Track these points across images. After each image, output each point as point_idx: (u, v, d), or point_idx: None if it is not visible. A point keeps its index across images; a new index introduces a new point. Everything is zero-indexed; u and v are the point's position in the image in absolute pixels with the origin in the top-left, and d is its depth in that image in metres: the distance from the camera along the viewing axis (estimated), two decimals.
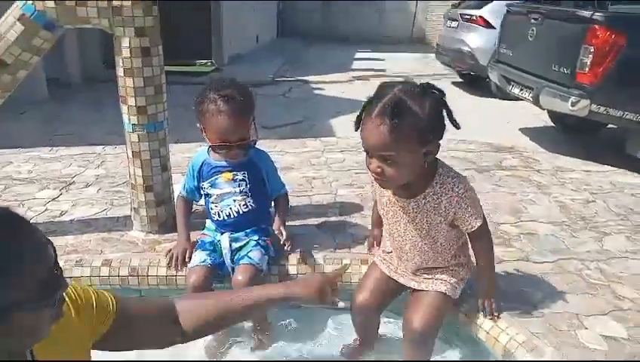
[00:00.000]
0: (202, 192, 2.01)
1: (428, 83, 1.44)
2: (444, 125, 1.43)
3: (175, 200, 2.35)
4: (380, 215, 1.74)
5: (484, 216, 1.60)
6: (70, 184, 2.83)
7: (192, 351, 1.81)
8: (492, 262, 1.71)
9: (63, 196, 2.68)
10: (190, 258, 1.98)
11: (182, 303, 1.30)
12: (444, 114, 1.42)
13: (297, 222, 2.37)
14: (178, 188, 2.44)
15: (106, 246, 2.18)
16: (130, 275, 2.04)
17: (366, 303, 1.75)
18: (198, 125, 1.88)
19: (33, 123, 5.78)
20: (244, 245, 1.96)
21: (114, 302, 1.17)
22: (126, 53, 1.97)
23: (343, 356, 1.88)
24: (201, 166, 1.98)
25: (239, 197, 1.95)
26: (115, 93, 2.11)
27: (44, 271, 0.87)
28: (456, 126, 1.44)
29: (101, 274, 2.04)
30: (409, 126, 1.35)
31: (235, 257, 1.95)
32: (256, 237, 1.97)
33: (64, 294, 0.94)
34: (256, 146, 2.00)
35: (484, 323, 1.73)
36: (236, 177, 1.94)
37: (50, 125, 5.71)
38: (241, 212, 1.96)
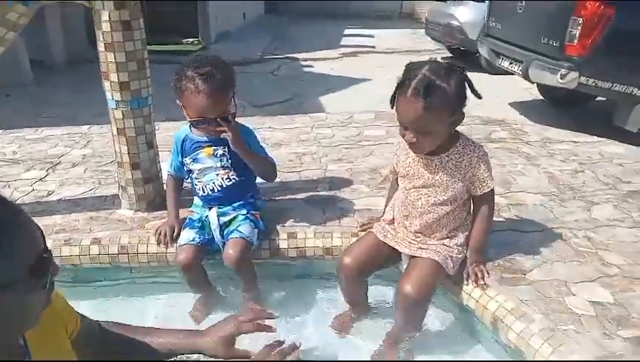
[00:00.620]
0: (185, 168, 2.00)
1: (450, 62, 1.65)
2: (467, 96, 1.63)
3: (163, 178, 2.34)
4: (399, 180, 1.85)
5: (493, 186, 1.75)
6: (56, 164, 2.79)
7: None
8: (489, 228, 1.80)
9: (50, 176, 2.65)
10: (178, 235, 1.98)
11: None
12: (467, 86, 1.62)
13: (287, 197, 2.36)
14: (166, 166, 2.43)
15: (95, 225, 2.16)
16: (120, 253, 2.03)
17: (350, 266, 1.78)
18: (177, 102, 1.87)
19: (18, 105, 5.69)
20: (233, 219, 1.96)
21: (79, 320, 1.16)
22: (106, 27, 1.92)
23: (333, 328, 1.89)
24: (184, 141, 1.97)
25: (222, 171, 1.95)
26: (101, 75, 2.07)
27: (33, 254, 0.86)
28: (478, 96, 1.64)
29: (91, 253, 2.02)
30: (439, 102, 1.55)
31: (225, 232, 1.94)
32: (244, 211, 1.97)
33: (54, 280, 0.91)
34: (239, 122, 1.97)
35: (473, 291, 1.75)
36: (217, 152, 1.93)
37: (35, 107, 5.61)
38: (224, 185, 1.96)
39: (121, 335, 1.27)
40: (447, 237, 1.78)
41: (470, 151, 1.70)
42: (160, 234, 2.01)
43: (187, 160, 1.98)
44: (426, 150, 1.69)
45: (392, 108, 1.64)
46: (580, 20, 4.25)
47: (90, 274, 2.09)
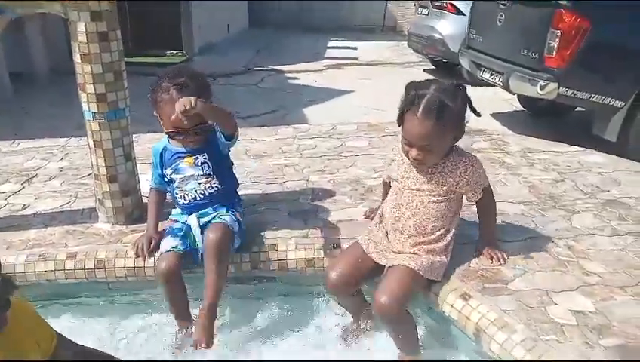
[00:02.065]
0: (166, 179, 1.99)
1: (453, 82, 1.71)
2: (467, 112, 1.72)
3: (142, 190, 2.30)
4: (392, 183, 1.89)
5: (489, 184, 1.86)
6: (33, 177, 2.73)
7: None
8: (495, 218, 1.97)
9: (26, 190, 2.59)
10: (157, 247, 1.94)
11: None
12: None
13: (268, 208, 2.34)
14: (145, 178, 2.39)
15: (71, 239, 2.11)
16: (97, 268, 1.98)
17: (336, 281, 1.77)
18: (154, 113, 1.87)
19: None
20: (214, 217, 1.94)
21: (54, 337, 1.11)
22: (82, 38, 1.90)
23: (342, 341, 1.88)
24: (163, 153, 1.97)
25: (203, 180, 1.94)
26: None
27: None
28: (478, 114, 1.73)
29: (66, 268, 1.97)
30: (448, 121, 1.63)
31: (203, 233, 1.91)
32: (224, 210, 1.96)
33: (9, 301, 0.86)
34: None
35: (455, 302, 1.74)
36: (197, 161, 1.93)
37: (14, 120, 5.52)
38: (207, 193, 1.95)
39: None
40: (438, 238, 1.79)
41: (465, 159, 1.77)
42: (137, 246, 1.97)
43: (167, 171, 1.96)
44: (429, 165, 1.76)
45: (399, 126, 1.71)
46: (558, 33, 4.32)
47: (64, 291, 2.04)
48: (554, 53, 4.40)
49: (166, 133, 1.88)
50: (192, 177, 1.94)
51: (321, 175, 2.74)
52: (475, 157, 1.81)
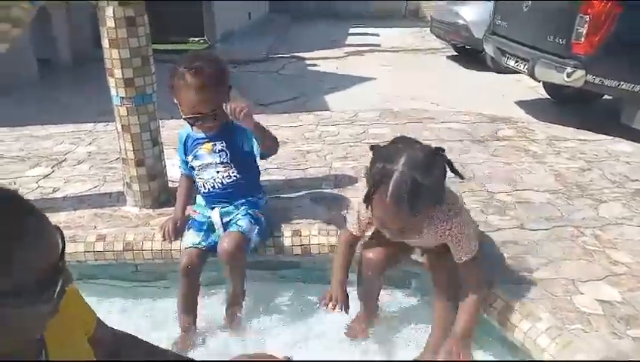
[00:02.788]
0: (188, 166, 2.01)
1: (430, 146, 1.43)
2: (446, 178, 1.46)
3: (168, 175, 2.34)
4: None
5: (476, 252, 1.58)
6: (62, 161, 2.80)
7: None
8: (476, 303, 1.59)
9: (55, 173, 2.65)
10: (182, 229, 1.99)
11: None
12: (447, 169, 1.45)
13: (292, 195, 2.35)
14: (170, 163, 2.43)
15: (99, 221, 2.16)
16: (125, 250, 2.03)
17: (376, 259, 1.74)
18: (174, 100, 1.89)
19: (23, 103, 5.70)
20: (234, 216, 1.95)
21: (95, 320, 1.14)
22: (110, 23, 1.92)
23: (348, 335, 1.86)
24: (186, 140, 2.00)
25: (221, 168, 1.95)
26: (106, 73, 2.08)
27: (48, 262, 0.80)
28: (461, 177, 1.50)
29: (95, 250, 2.02)
30: (424, 204, 1.38)
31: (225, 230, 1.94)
32: (245, 208, 1.96)
33: (65, 288, 0.85)
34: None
35: None
36: (215, 148, 1.94)
37: (41, 105, 5.63)
38: (225, 183, 1.96)
39: (134, 347, 1.25)
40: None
41: (444, 224, 1.52)
42: (164, 229, 2.02)
43: (189, 157, 1.99)
44: (404, 239, 1.59)
45: (367, 208, 1.46)
46: (587, 18, 4.22)
47: (92, 273, 2.09)
48: (582, 39, 4.29)
49: (184, 118, 1.89)
50: (210, 165, 1.95)
51: (344, 161, 2.75)
52: (458, 217, 1.53)
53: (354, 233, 1.74)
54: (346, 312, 1.73)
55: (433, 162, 1.37)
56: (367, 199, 1.41)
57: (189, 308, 1.92)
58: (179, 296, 1.91)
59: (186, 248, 1.91)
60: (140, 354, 1.25)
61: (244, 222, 1.91)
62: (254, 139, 1.89)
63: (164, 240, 2.01)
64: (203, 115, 1.84)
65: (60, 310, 0.88)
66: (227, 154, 1.94)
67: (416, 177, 1.32)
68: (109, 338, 1.19)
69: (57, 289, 0.82)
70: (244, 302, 1.96)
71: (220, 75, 1.86)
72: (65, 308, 0.92)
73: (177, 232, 2.01)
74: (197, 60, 1.83)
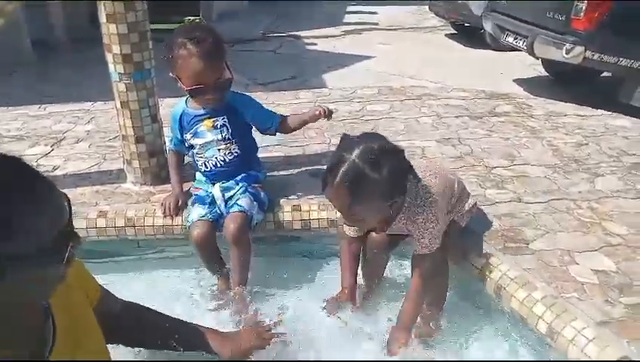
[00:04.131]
0: (186, 144, 1.99)
1: (386, 144, 1.43)
2: (406, 181, 1.48)
3: (167, 152, 2.35)
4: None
5: (434, 251, 1.58)
6: (61, 140, 2.80)
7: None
8: (419, 294, 1.61)
9: (55, 152, 2.66)
10: (184, 206, 2.00)
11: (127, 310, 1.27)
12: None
13: (291, 171, 2.37)
14: (169, 140, 2.43)
15: (101, 198, 2.18)
16: (127, 226, 2.05)
17: (379, 238, 1.75)
18: (170, 75, 1.86)
19: (21, 83, 5.67)
20: (235, 193, 1.96)
21: (99, 289, 1.16)
22: None
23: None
24: (181, 117, 1.96)
25: (223, 146, 1.94)
26: (103, 53, 2.06)
27: (57, 226, 0.82)
28: (417, 180, 1.52)
29: (97, 226, 2.04)
30: (368, 194, 1.39)
31: (227, 206, 1.94)
32: (245, 184, 1.97)
33: (74, 253, 0.87)
34: (237, 91, 1.97)
35: (476, 261, 1.76)
36: (217, 123, 1.92)
37: (38, 85, 5.60)
38: (227, 160, 1.96)
39: (142, 315, 1.28)
40: None
41: (411, 217, 1.56)
42: (165, 206, 2.03)
43: (187, 135, 1.96)
44: (368, 228, 1.66)
45: (323, 191, 1.47)
46: None
47: (99, 249, 2.11)
48: (581, 14, 4.27)
49: (187, 90, 1.85)
50: (211, 143, 1.94)
51: None
52: (427, 211, 1.53)
53: (347, 232, 1.75)
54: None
55: (385, 158, 1.38)
56: (324, 183, 1.44)
57: (220, 272, 1.96)
58: (205, 266, 1.97)
59: (193, 221, 1.91)
60: (148, 323, 1.27)
61: (244, 201, 1.92)
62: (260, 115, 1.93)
63: (165, 216, 2.02)
64: (207, 85, 1.81)
65: (66, 278, 0.90)
66: (229, 130, 1.93)
67: (363, 167, 1.35)
68: (115, 309, 1.21)
69: (67, 254, 0.84)
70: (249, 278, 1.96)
71: (220, 44, 1.84)
72: (70, 279, 0.94)
73: (179, 209, 2.02)
74: (195, 30, 1.80)
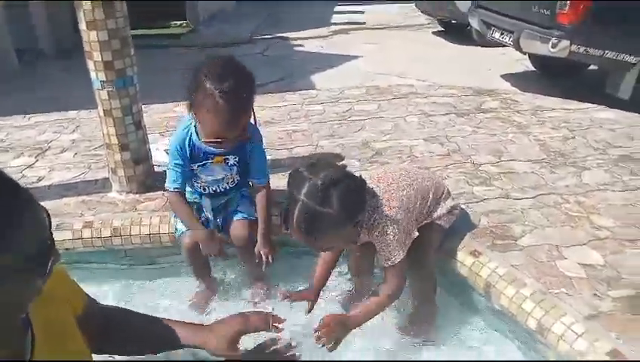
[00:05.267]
0: (188, 169, 1.82)
1: (331, 172, 1.40)
2: (364, 197, 1.48)
3: (153, 159, 2.33)
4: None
5: (397, 265, 1.56)
6: (46, 150, 2.77)
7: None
8: (378, 304, 1.59)
9: (39, 162, 2.63)
10: (219, 240, 1.87)
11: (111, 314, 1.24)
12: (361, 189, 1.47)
13: (279, 175, 2.35)
14: (154, 147, 2.42)
15: (86, 208, 2.16)
16: (114, 235, 2.02)
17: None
18: (190, 113, 1.69)
19: (4, 94, 5.61)
20: (229, 200, 1.94)
21: (85, 298, 1.14)
22: (87, 4, 1.89)
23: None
24: (190, 147, 1.78)
25: (229, 179, 1.88)
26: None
27: (37, 241, 0.81)
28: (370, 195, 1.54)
29: (83, 237, 2.02)
30: (327, 228, 1.41)
31: (223, 214, 1.93)
32: (238, 191, 1.95)
33: (52, 268, 0.85)
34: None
35: (465, 259, 1.76)
36: (228, 161, 1.82)
37: (23, 96, 5.54)
38: (228, 188, 1.92)
39: (127, 320, 1.26)
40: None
41: (373, 233, 1.56)
42: (208, 253, 1.86)
43: (194, 166, 1.82)
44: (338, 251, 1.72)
45: (285, 231, 1.47)
46: None
47: (85, 259, 2.09)
48: (566, 8, 4.28)
49: (204, 142, 1.72)
50: (219, 178, 1.86)
51: (330, 139, 2.75)
52: (385, 227, 1.55)
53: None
54: (307, 313, 1.73)
55: (332, 190, 1.37)
56: (285, 222, 1.44)
57: (206, 281, 1.98)
58: (194, 275, 1.97)
59: (183, 232, 1.87)
60: (132, 327, 1.25)
61: (244, 207, 1.92)
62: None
63: (217, 256, 1.87)
64: (227, 139, 1.68)
65: (46, 290, 0.89)
66: (238, 168, 1.85)
67: (313, 207, 1.36)
68: (98, 316, 1.20)
69: (48, 269, 0.83)
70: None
71: (251, 95, 1.67)
72: (52, 288, 0.93)
73: (221, 245, 1.85)
74: (227, 77, 1.58)
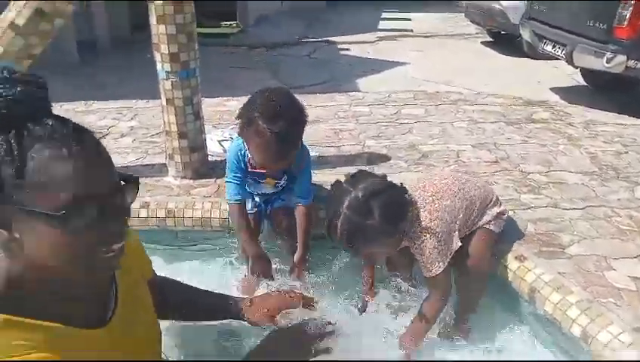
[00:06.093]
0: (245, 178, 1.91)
1: (372, 184, 1.45)
2: (406, 207, 1.51)
3: (208, 148, 2.43)
4: None
5: (439, 276, 1.58)
6: (105, 135, 2.92)
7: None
8: (430, 314, 1.61)
9: None
10: (270, 267, 1.91)
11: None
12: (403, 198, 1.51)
13: (326, 171, 2.41)
14: (209, 137, 2.52)
15: (143, 190, 2.27)
16: (167, 217, 2.13)
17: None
18: (239, 137, 1.76)
19: (66, 83, 5.90)
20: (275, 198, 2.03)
21: (150, 262, 1.24)
22: (158, 1, 2.00)
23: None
24: (244, 163, 1.84)
25: (279, 190, 2.00)
26: (143, 56, 2.16)
27: (107, 183, 0.85)
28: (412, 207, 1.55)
29: (140, 216, 2.13)
30: (372, 239, 1.45)
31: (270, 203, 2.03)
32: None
33: (123, 244, 0.89)
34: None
35: (510, 263, 1.76)
36: (278, 184, 1.96)
37: (83, 85, 5.82)
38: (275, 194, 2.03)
39: (180, 288, 1.37)
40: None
41: (412, 243, 1.57)
42: (256, 273, 1.89)
43: (248, 179, 1.92)
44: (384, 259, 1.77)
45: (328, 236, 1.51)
46: (632, 1, 4.11)
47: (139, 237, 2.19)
48: (625, 22, 4.19)
49: (250, 170, 1.84)
50: (270, 193, 2.00)
51: (377, 140, 2.79)
52: (423, 238, 1.55)
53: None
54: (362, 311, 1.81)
55: (374, 201, 1.41)
56: (328, 229, 1.48)
57: (253, 249, 1.91)
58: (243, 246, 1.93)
59: (229, 203, 1.89)
60: (185, 294, 1.36)
61: (286, 195, 1.99)
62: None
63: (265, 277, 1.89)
64: (273, 170, 1.81)
65: (126, 258, 0.96)
66: (288, 185, 1.96)
67: (355, 219, 1.41)
68: (159, 281, 1.29)
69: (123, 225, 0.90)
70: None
71: (302, 129, 1.71)
72: (130, 256, 1.01)
73: (269, 268, 1.89)
74: (279, 117, 1.59)
